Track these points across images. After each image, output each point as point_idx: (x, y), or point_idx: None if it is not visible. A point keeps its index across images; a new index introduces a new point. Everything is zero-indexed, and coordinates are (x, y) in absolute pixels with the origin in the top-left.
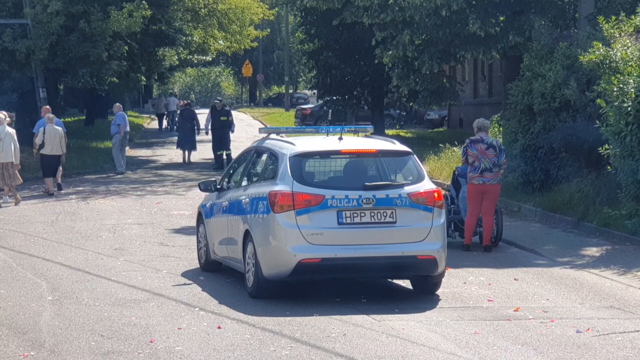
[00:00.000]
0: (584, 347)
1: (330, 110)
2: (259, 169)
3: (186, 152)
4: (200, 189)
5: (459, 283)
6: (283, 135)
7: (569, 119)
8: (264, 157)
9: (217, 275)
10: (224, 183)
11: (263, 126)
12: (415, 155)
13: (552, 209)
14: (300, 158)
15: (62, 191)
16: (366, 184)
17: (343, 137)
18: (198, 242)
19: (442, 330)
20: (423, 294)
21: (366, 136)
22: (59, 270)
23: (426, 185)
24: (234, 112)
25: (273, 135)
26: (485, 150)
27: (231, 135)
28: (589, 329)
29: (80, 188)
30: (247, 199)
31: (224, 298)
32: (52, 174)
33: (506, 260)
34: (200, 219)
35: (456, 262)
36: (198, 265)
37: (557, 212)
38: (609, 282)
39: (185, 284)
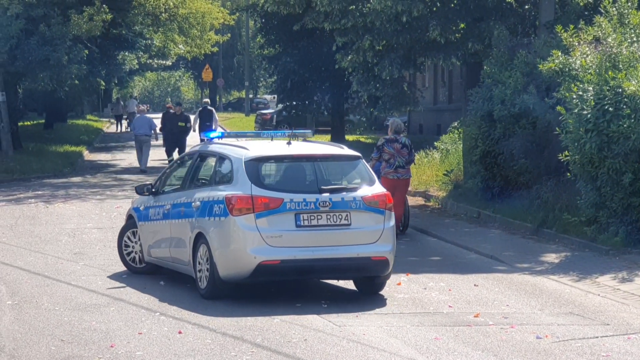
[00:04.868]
0: (544, 353)
1: (275, 116)
2: (207, 172)
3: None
4: (137, 192)
5: (419, 289)
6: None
7: (529, 126)
8: (213, 160)
9: (178, 279)
10: (160, 186)
11: (222, 131)
12: (364, 160)
13: (511, 215)
14: (256, 162)
15: None
16: (322, 187)
17: (292, 142)
18: (125, 246)
19: (403, 335)
20: (367, 294)
21: (306, 140)
22: (19, 274)
23: (377, 188)
24: (193, 117)
25: (216, 140)
26: (400, 149)
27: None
28: (548, 335)
29: (39, 192)
30: (198, 203)
31: (185, 303)
32: None
33: (466, 266)
34: (130, 221)
35: (416, 267)
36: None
37: (517, 218)
38: (568, 289)
39: (145, 289)
